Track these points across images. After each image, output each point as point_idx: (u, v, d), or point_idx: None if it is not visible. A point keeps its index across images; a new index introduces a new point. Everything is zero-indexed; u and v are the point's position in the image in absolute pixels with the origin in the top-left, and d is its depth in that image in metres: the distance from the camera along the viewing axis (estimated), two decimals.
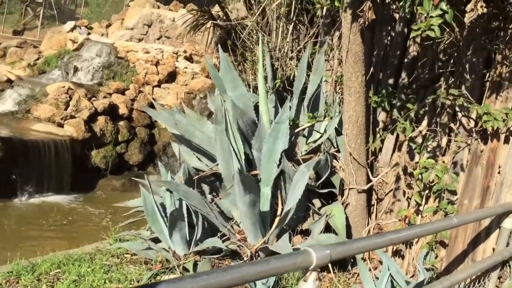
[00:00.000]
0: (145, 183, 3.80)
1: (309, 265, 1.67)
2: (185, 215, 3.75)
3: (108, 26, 12.94)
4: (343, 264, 3.85)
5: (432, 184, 3.50)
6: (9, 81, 9.57)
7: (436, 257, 3.50)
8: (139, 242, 3.95)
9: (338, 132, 4.12)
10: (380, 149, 4.12)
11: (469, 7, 2.56)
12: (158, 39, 12.12)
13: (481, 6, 2.35)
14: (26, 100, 9.21)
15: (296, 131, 4.21)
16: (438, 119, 3.61)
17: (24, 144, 7.89)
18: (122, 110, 9.70)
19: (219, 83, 4.57)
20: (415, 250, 3.62)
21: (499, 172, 3.27)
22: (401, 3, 2.63)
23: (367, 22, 3.01)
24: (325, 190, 3.91)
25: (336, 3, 3.57)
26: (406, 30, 4.04)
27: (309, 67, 4.64)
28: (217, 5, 8.50)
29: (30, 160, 7.91)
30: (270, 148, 3.91)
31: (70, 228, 7.03)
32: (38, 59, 10.81)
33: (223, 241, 3.88)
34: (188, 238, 3.82)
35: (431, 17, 2.41)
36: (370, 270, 3.77)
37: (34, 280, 3.23)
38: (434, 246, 3.46)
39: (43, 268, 3.39)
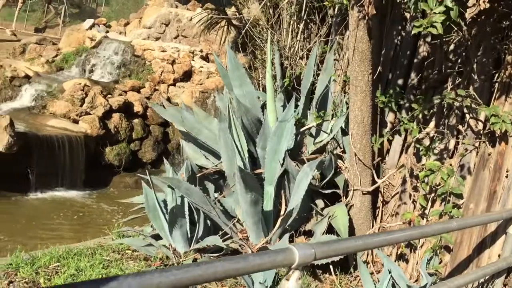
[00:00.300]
0: (148, 178, 3.79)
1: (291, 263, 1.62)
2: (186, 212, 3.72)
3: (126, 24, 13.06)
4: (346, 266, 3.78)
5: (439, 187, 3.40)
6: (27, 77, 9.71)
7: (440, 262, 3.40)
8: (140, 238, 3.93)
9: (345, 132, 4.05)
10: (388, 151, 4.04)
11: (471, 1, 2.47)
12: (175, 38, 12.18)
13: (484, 1, 2.26)
14: (43, 96, 9.33)
15: (301, 130, 4.15)
16: (446, 121, 3.51)
17: (39, 139, 7.99)
18: (137, 108, 9.76)
19: (227, 81, 4.54)
20: (419, 255, 3.53)
21: (507, 176, 3.16)
22: (405, 0, 2.56)
23: (367, 17, 2.94)
24: (329, 191, 3.84)
25: (344, 1, 3.51)
26: None
27: (320, 67, 4.59)
28: (233, 6, 8.51)
29: (45, 155, 8.00)
30: (274, 147, 3.86)
31: (81, 224, 7.08)
32: (56, 56, 10.96)
33: (226, 240, 3.84)
34: (189, 236, 3.79)
35: (434, 13, 2.34)
36: (373, 273, 3.69)
37: (33, 272, 3.24)
38: (438, 251, 3.37)
39: (43, 261, 3.39)
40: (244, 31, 5.37)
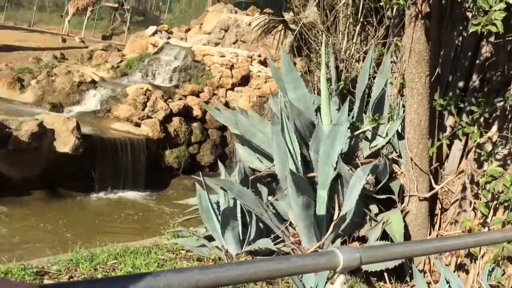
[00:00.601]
0: (200, 180, 3.86)
1: (335, 266, 1.58)
2: (239, 215, 3.75)
3: (187, 30, 13.39)
4: (401, 274, 3.66)
5: (501, 194, 3.23)
6: (93, 82, 10.17)
7: (503, 274, 3.22)
8: (193, 239, 4.01)
9: (401, 136, 3.94)
10: (447, 156, 3.89)
11: None
12: (234, 43, 12.35)
13: None
14: (108, 100, 9.74)
15: (355, 133, 4.08)
16: (509, 125, 3.33)
17: (103, 142, 8.34)
18: (196, 112, 9.97)
19: (281, 84, 4.55)
20: (480, 265, 3.36)
21: None
22: None
23: (420, 15, 2.84)
24: (384, 196, 3.74)
25: (401, 1, 3.42)
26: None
27: (376, 70, 4.50)
28: (291, 11, 8.52)
29: (108, 157, 8.34)
30: (327, 150, 3.81)
31: (141, 224, 7.32)
32: (121, 61, 11.41)
33: (278, 243, 3.83)
34: (241, 238, 3.82)
35: (494, 10, 2.23)
36: (430, 283, 3.56)
37: (91, 269, 3.38)
38: (500, 262, 3.19)
39: (101, 258, 3.53)
40: (297, 33, 5.36)
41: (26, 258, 3.55)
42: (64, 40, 13.53)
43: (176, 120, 9.59)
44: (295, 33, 5.09)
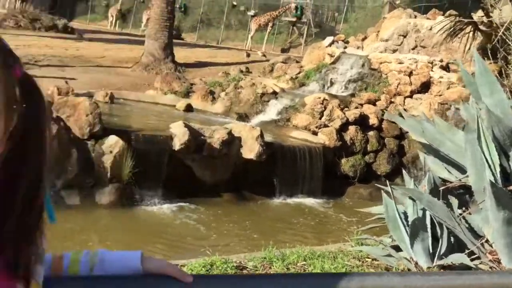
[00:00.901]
0: (388, 190, 3.81)
1: None
2: (428, 226, 3.61)
3: (364, 39, 13.33)
4: None
5: None
6: (274, 93, 10.77)
7: None
8: (379, 248, 3.97)
9: None
10: None
11: None
12: (413, 49, 11.92)
13: None
14: (287, 109, 10.21)
15: None
16: None
17: (283, 149, 8.76)
18: (372, 120, 9.86)
19: (473, 89, 4.26)
20: None
21: None
22: None
23: None
24: None
25: None
26: None
27: None
28: (480, 10, 7.91)
29: (288, 164, 8.72)
30: None
31: (319, 229, 7.50)
32: (299, 73, 11.87)
33: (472, 259, 3.59)
34: (431, 251, 3.67)
35: None
36: None
37: (284, 268, 3.58)
38: None
39: (291, 259, 3.72)
40: (494, 36, 4.97)
41: (225, 253, 3.92)
42: (248, 55, 14.59)
43: (352, 128, 9.61)
44: (497, 35, 4.73)
